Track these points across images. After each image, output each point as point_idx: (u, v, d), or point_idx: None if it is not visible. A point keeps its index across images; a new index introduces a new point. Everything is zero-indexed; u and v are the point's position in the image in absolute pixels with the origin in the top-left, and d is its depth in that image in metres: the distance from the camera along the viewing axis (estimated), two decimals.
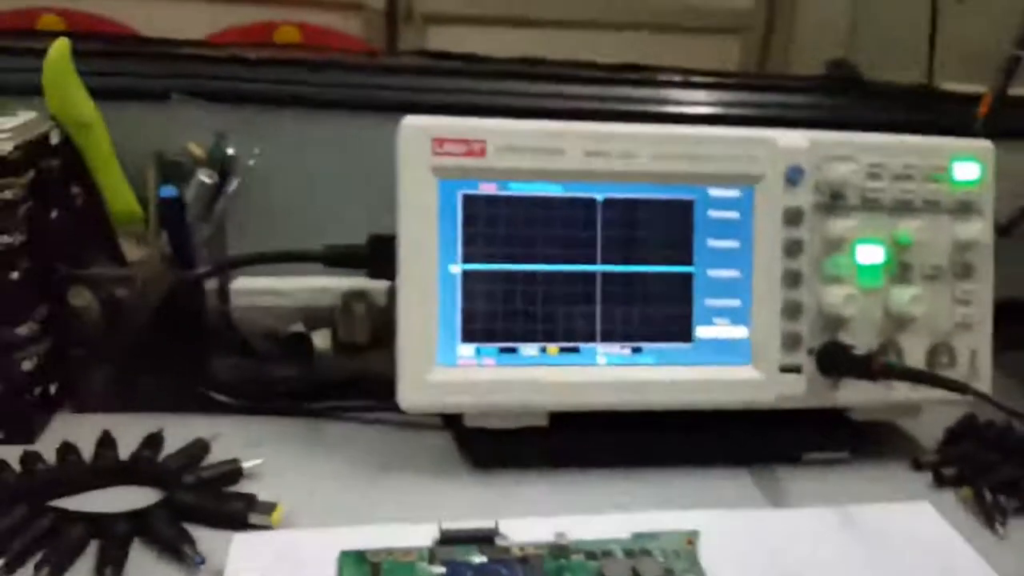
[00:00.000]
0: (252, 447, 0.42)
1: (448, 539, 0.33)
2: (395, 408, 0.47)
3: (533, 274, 0.41)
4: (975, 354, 0.45)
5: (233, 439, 0.42)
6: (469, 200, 0.40)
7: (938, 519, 0.39)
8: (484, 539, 0.33)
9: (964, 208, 0.45)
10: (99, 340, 0.43)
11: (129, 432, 0.41)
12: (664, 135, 0.42)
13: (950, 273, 0.45)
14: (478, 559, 0.32)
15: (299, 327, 0.48)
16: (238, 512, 0.36)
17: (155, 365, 0.44)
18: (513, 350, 0.41)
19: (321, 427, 0.45)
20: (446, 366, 0.40)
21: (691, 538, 0.35)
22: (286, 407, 0.46)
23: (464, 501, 0.39)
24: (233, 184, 0.46)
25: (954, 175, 0.45)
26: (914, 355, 0.44)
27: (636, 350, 0.42)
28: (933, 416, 0.50)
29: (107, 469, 0.39)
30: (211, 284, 0.48)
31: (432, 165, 0.39)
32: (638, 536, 0.34)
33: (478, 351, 0.40)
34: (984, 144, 0.45)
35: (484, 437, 0.42)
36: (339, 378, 0.48)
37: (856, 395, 0.44)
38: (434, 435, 0.45)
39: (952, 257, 0.45)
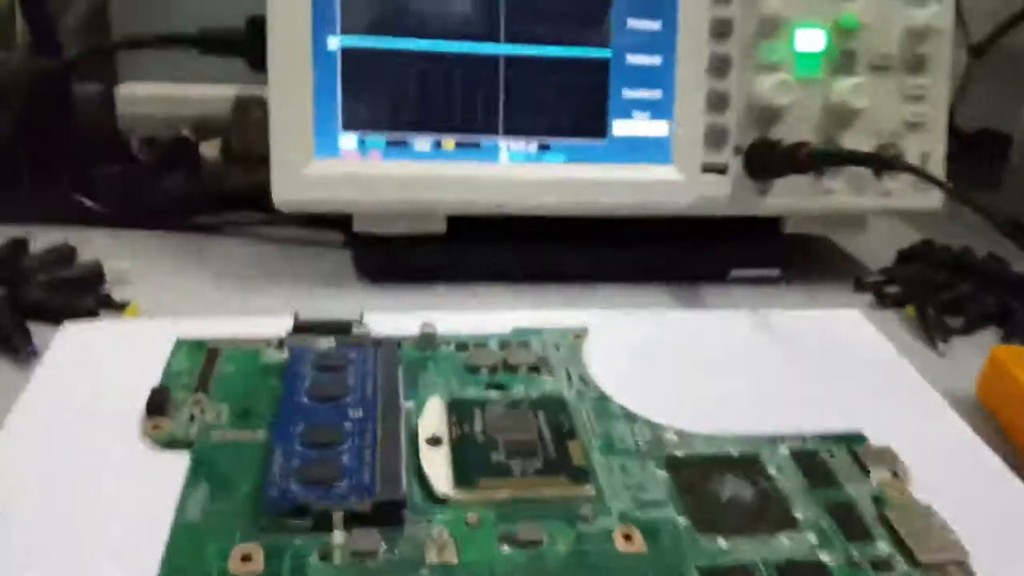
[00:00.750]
0: (125, 257, 0.38)
1: (301, 327, 0.29)
2: (292, 222, 0.43)
3: (426, 53, 0.36)
4: (927, 157, 0.41)
5: (105, 249, 0.38)
6: None
7: (867, 325, 0.36)
8: (340, 328, 0.29)
9: None
10: None
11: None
12: None
13: (901, 65, 0.40)
14: (330, 344, 0.28)
15: (185, 134, 0.44)
16: (86, 308, 0.32)
17: (25, 171, 0.40)
18: (403, 143, 0.36)
19: (206, 241, 0.42)
20: (326, 158, 0.36)
21: (579, 333, 0.31)
22: (167, 219, 0.42)
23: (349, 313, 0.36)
24: None
25: None
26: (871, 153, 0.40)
27: (544, 147, 0.38)
28: (884, 240, 0.47)
29: None
30: (94, 89, 0.43)
31: None
32: (519, 330, 0.31)
33: (362, 142, 0.36)
34: None
35: (376, 246, 0.38)
36: (229, 190, 0.43)
37: (789, 200, 0.40)
38: (332, 251, 0.42)
39: (903, 46, 0.40)
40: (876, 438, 0.27)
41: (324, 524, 0.21)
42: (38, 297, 0.33)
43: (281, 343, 0.29)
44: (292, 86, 0.35)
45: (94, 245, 0.39)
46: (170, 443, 0.24)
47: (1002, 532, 0.24)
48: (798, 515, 0.23)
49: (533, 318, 0.32)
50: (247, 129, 0.45)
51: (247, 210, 0.43)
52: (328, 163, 0.36)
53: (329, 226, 0.42)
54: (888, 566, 0.21)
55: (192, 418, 0.25)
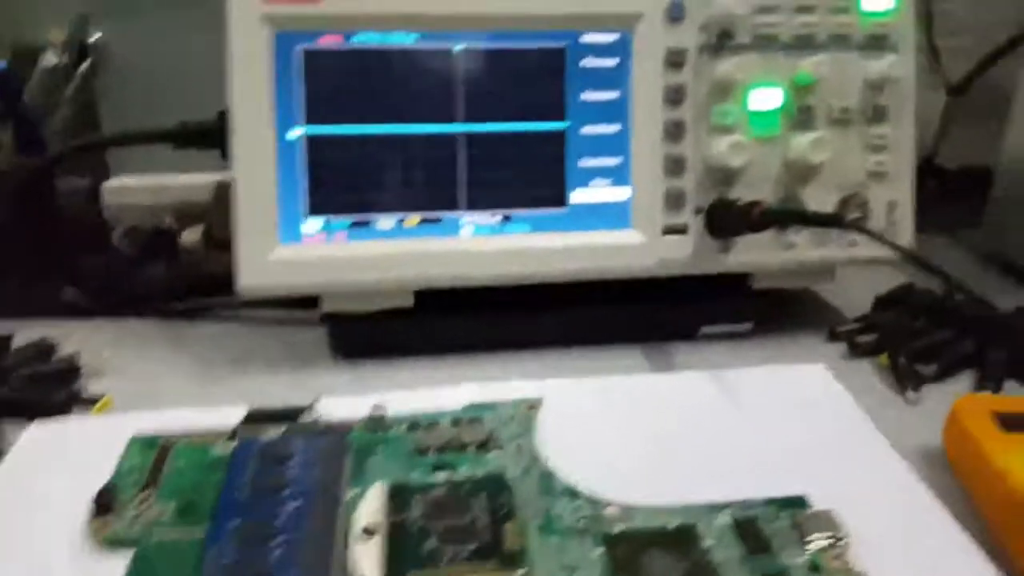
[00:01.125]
0: (105, 347, 0.39)
1: (253, 417, 0.30)
2: (270, 304, 0.45)
3: (386, 136, 0.37)
4: (893, 206, 0.41)
5: (86, 340, 0.40)
6: (308, 55, 0.36)
7: (830, 381, 0.35)
8: (290, 416, 0.30)
9: (876, 43, 0.40)
10: None
11: None
12: None
13: (861, 116, 0.40)
14: (278, 434, 0.29)
15: (166, 223, 0.45)
16: (58, 404, 0.34)
17: (12, 266, 0.42)
18: (367, 223, 0.37)
19: (186, 327, 0.43)
20: (291, 243, 0.37)
21: (532, 404, 0.32)
22: (148, 307, 0.43)
23: (327, 393, 0.37)
24: (84, 66, 0.43)
25: (862, 6, 0.39)
26: (821, 209, 0.40)
27: (506, 218, 0.38)
28: (865, 286, 0.46)
29: None
30: (80, 183, 0.45)
31: (263, 14, 0.35)
32: (472, 406, 0.32)
33: (327, 225, 0.37)
34: None
35: (347, 323, 0.39)
36: (209, 275, 0.45)
37: (752, 256, 0.40)
38: (308, 329, 0.43)
39: (863, 98, 0.40)
40: (825, 501, 0.27)
41: None
42: (13, 395, 0.34)
43: (233, 434, 0.29)
44: (255, 175, 0.36)
45: (75, 336, 0.40)
46: (114, 542, 0.24)
47: None
48: None
49: (488, 392, 0.33)
50: (226, 214, 0.46)
51: (226, 294, 0.44)
52: (293, 248, 0.37)
53: (304, 305, 0.43)
54: None
55: (137, 516, 0.25)
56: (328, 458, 0.27)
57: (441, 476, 0.28)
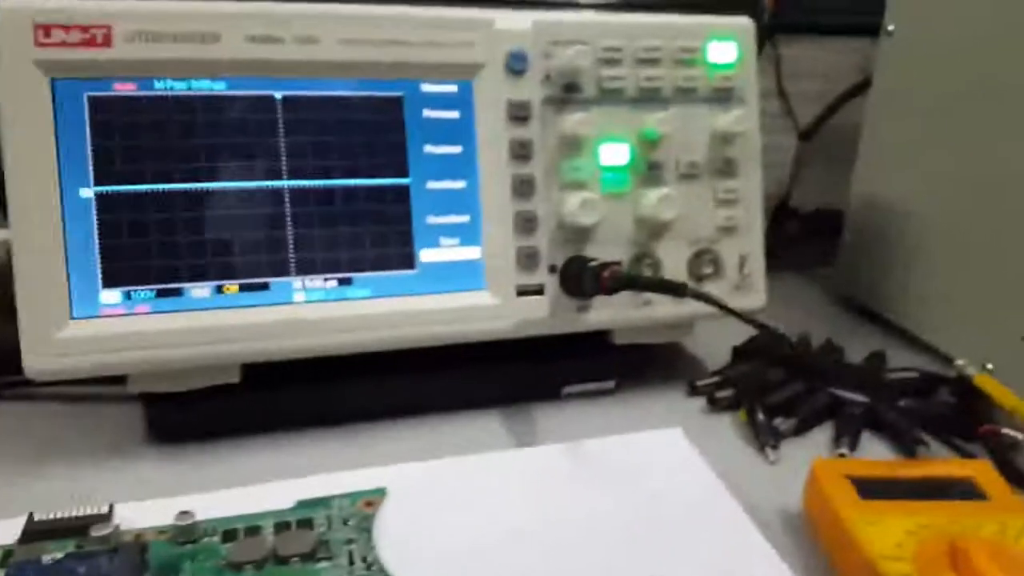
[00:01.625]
0: None
1: (32, 533, 0.25)
2: (76, 382, 0.39)
3: (195, 194, 0.33)
4: (744, 260, 0.41)
5: None
6: (98, 103, 0.32)
7: (685, 447, 0.34)
8: (77, 530, 0.25)
9: (722, 96, 0.40)
10: None
11: None
12: (351, 15, 0.34)
13: (709, 171, 0.40)
14: (61, 554, 0.24)
15: None
16: None
17: None
18: (177, 292, 0.33)
19: None
20: (85, 319, 0.32)
21: (371, 499, 0.28)
22: None
23: (135, 487, 0.31)
24: None
25: (708, 58, 0.39)
26: (674, 266, 0.39)
27: (345, 282, 0.35)
28: (725, 333, 0.46)
29: None
30: None
31: (37, 59, 0.31)
32: (302, 504, 0.28)
33: (127, 296, 0.32)
34: (741, 21, 0.40)
35: (164, 402, 0.34)
36: (6, 347, 0.39)
37: (610, 315, 0.38)
38: (121, 408, 0.37)
39: (711, 152, 0.40)
40: (673, 566, 0.25)
41: None
42: None
43: (8, 554, 0.24)
44: (39, 240, 0.31)
45: None
46: None
47: None
48: None
49: (321, 485, 0.29)
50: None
51: (18, 372, 0.38)
52: (87, 324, 0.32)
53: (115, 380, 0.38)
54: None
55: None
56: None
57: None
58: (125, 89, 0.32)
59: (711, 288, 0.40)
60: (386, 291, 0.36)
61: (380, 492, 0.29)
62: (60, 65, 0.31)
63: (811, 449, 0.37)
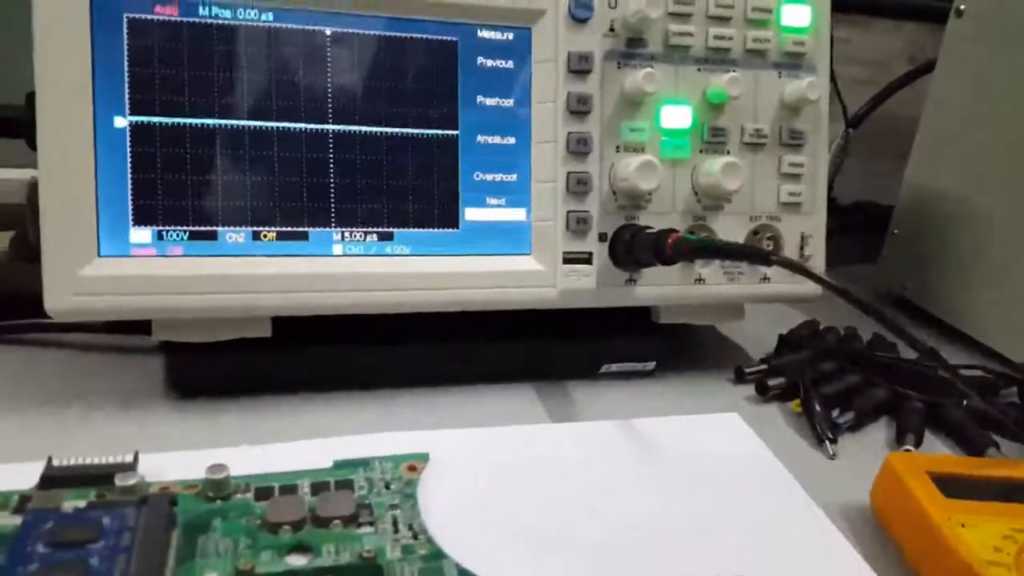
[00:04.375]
0: None
1: (51, 480, 0.24)
2: (94, 328, 0.38)
3: (237, 131, 0.32)
4: (806, 240, 0.39)
5: None
6: (138, 26, 0.30)
7: (745, 431, 0.33)
8: (100, 478, 0.24)
9: (793, 61, 0.38)
10: None
11: None
12: None
13: (776, 141, 0.38)
14: (83, 503, 0.23)
15: None
16: None
17: None
18: (212, 235, 0.32)
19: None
20: (114, 257, 0.31)
21: (415, 464, 0.27)
22: None
23: (155, 440, 0.30)
24: None
25: (781, 20, 0.38)
26: (732, 239, 0.38)
27: (385, 236, 0.34)
28: (768, 324, 0.45)
29: None
30: None
31: None
32: (341, 465, 0.27)
33: (160, 236, 0.31)
34: None
35: (188, 354, 0.33)
36: (21, 291, 0.37)
37: (660, 291, 0.37)
38: (141, 360, 0.36)
39: (779, 121, 0.38)
40: (747, 567, 0.24)
41: None
42: None
43: (23, 501, 0.23)
44: (69, 172, 0.30)
45: None
46: None
47: None
48: None
49: (361, 446, 0.28)
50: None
51: (41, 314, 0.37)
52: (116, 262, 0.31)
53: (137, 329, 0.37)
54: None
55: None
56: (146, 539, 0.21)
57: (297, 562, 0.23)
58: (166, 12, 0.31)
59: (767, 269, 0.38)
60: (427, 249, 0.34)
61: (424, 457, 0.28)
62: None
63: (868, 444, 0.36)
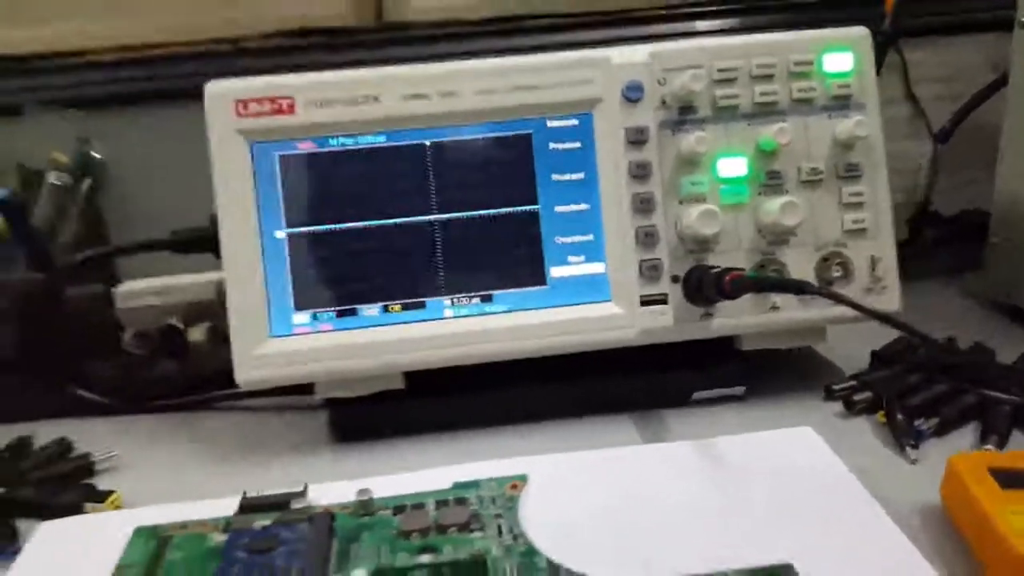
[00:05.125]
0: (116, 445, 0.42)
1: (246, 507, 0.32)
2: (273, 392, 0.47)
3: (365, 231, 0.40)
4: (876, 262, 0.42)
5: (102, 438, 0.43)
6: (286, 161, 0.40)
7: (818, 444, 0.37)
8: (280, 505, 0.32)
9: (840, 103, 0.42)
10: None
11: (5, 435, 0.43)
12: (484, 69, 0.41)
13: (832, 176, 0.42)
14: (269, 522, 0.31)
15: (173, 321, 0.49)
16: (72, 503, 0.36)
17: (27, 372, 0.46)
18: (353, 312, 0.40)
19: (195, 419, 0.46)
20: (281, 336, 0.40)
21: (516, 483, 0.34)
22: (159, 404, 0.46)
23: (321, 474, 0.38)
24: (86, 184, 0.47)
25: (824, 68, 0.42)
26: (801, 271, 0.42)
27: (486, 299, 0.41)
28: (864, 339, 0.47)
29: None
30: (90, 291, 0.49)
31: (239, 128, 0.39)
32: (458, 485, 0.34)
33: (314, 317, 0.40)
34: (855, 31, 0.43)
35: (344, 406, 0.42)
36: (216, 369, 0.48)
37: (735, 322, 0.42)
38: (310, 415, 0.45)
39: (833, 158, 0.42)
40: (811, 567, 0.28)
41: None
42: (29, 496, 0.37)
43: (228, 524, 0.32)
44: (244, 276, 0.40)
45: (91, 433, 0.43)
46: None
47: None
48: None
49: (473, 470, 0.35)
50: None
51: (232, 386, 0.47)
52: (283, 341, 0.40)
53: (305, 391, 0.46)
54: None
55: None
56: (314, 545, 0.29)
57: (425, 558, 0.30)
58: (306, 147, 0.40)
59: (841, 290, 0.42)
60: (522, 305, 0.41)
61: (523, 477, 0.34)
62: (256, 132, 0.39)
63: (952, 449, 0.38)
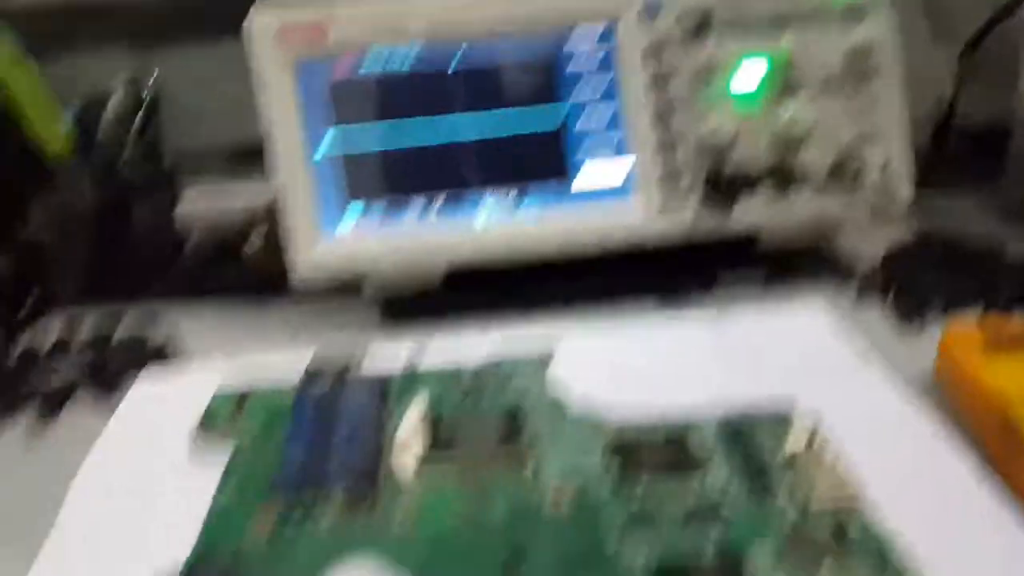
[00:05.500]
0: (189, 332, 0.47)
1: (311, 372, 0.37)
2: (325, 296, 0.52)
3: (407, 130, 0.44)
4: (888, 163, 0.45)
5: (168, 326, 0.48)
6: (329, 81, 0.44)
7: (827, 313, 0.40)
8: (341, 368, 0.37)
9: (853, 12, 0.45)
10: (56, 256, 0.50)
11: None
12: None
13: (845, 83, 0.45)
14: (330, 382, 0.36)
15: (233, 231, 0.53)
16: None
17: (97, 284, 0.51)
18: (396, 215, 0.44)
19: (253, 317, 0.50)
20: (332, 238, 0.44)
21: (546, 351, 0.38)
22: (223, 300, 0.51)
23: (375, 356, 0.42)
24: (142, 110, 0.52)
25: None
26: (815, 174, 0.45)
27: (518, 201, 0.45)
28: (874, 244, 0.50)
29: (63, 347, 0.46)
30: (156, 200, 0.54)
31: (283, 52, 0.43)
32: (493, 353, 0.38)
33: (362, 217, 0.44)
34: None
35: (390, 301, 0.46)
36: (272, 273, 0.52)
37: (751, 219, 0.45)
38: (359, 310, 0.49)
39: (846, 66, 0.45)
40: (806, 412, 0.32)
41: (318, 500, 0.29)
42: (123, 361, 0.43)
43: (296, 387, 0.36)
44: (295, 188, 0.44)
45: (160, 323, 0.48)
46: (210, 454, 0.33)
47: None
48: (711, 475, 0.28)
49: (508, 338, 0.40)
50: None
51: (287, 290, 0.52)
52: (335, 241, 0.44)
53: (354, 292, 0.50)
54: (782, 516, 0.26)
55: (226, 437, 0.34)
56: (371, 398, 0.35)
57: (465, 407, 0.34)
58: (345, 64, 0.44)
59: (855, 193, 0.44)
60: (550, 206, 0.45)
61: (551, 351, 0.38)
62: (298, 53, 0.43)
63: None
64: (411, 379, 0.36)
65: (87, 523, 0.30)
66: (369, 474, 0.30)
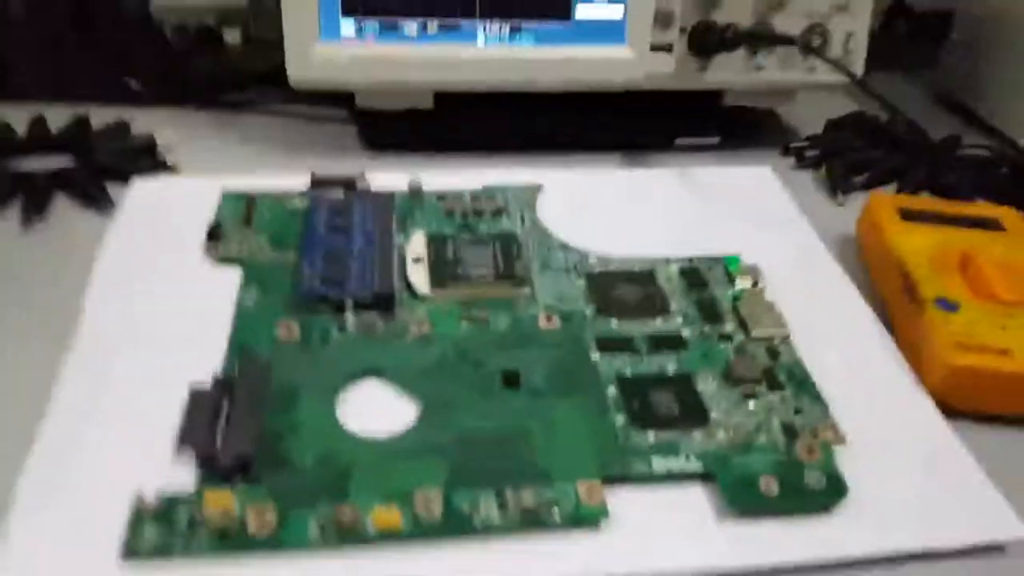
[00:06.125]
0: (166, 129, 0.47)
1: (317, 183, 0.39)
2: (304, 100, 0.52)
3: None
4: (850, 36, 0.49)
5: (150, 124, 0.48)
6: None
7: (773, 179, 0.45)
8: (348, 183, 0.39)
9: None
10: (23, 35, 0.48)
11: (59, 116, 0.47)
12: None
13: None
14: (340, 195, 0.38)
15: (208, 23, 0.52)
16: (147, 169, 0.42)
17: (77, 57, 0.49)
18: (394, 26, 0.45)
19: (233, 116, 0.51)
20: (330, 41, 0.44)
21: (534, 188, 0.42)
22: (199, 97, 0.51)
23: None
24: None
25: None
26: (786, 39, 0.48)
27: (515, 29, 0.46)
28: (821, 110, 0.55)
29: (39, 139, 0.45)
30: None
31: None
32: (488, 187, 0.41)
33: (359, 28, 0.44)
34: None
35: (376, 120, 0.48)
36: (250, 71, 0.52)
37: (726, 75, 0.48)
38: (339, 125, 0.51)
39: None
40: (753, 260, 0.37)
41: (339, 309, 0.32)
42: (106, 162, 0.43)
43: (303, 194, 0.39)
44: None
45: (141, 121, 0.48)
46: (226, 260, 0.35)
47: (834, 329, 0.34)
48: (672, 307, 0.34)
49: (500, 176, 0.42)
50: (262, 17, 0.53)
51: (264, 88, 0.52)
52: (331, 46, 0.44)
53: (334, 103, 0.51)
54: (730, 338, 0.32)
55: (241, 243, 0.35)
56: (381, 212, 0.37)
57: (465, 231, 0.38)
58: None
59: (815, 60, 0.48)
60: (547, 40, 0.46)
61: (539, 185, 0.42)
62: None
63: None
64: (416, 196, 0.40)
65: (112, 329, 0.31)
66: (388, 285, 0.33)
